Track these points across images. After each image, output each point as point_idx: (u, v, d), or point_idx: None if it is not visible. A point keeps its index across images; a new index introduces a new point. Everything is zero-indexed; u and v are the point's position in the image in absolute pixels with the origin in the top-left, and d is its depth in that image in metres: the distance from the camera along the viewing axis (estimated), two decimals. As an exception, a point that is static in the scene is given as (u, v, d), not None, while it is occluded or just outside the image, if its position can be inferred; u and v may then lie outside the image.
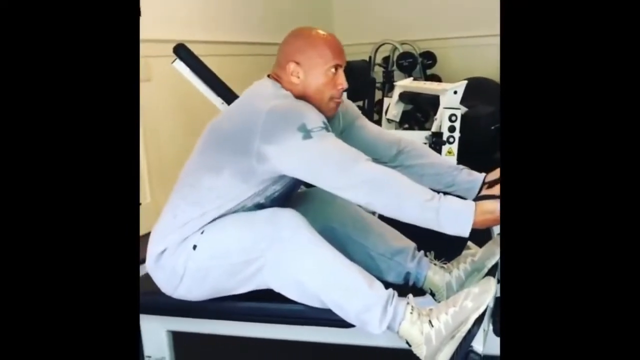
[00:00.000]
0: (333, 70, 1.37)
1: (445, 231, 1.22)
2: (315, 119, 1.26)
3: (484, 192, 1.38)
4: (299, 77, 1.37)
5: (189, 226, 1.34)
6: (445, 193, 1.26)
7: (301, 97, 1.37)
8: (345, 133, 1.53)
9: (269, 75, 1.43)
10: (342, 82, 1.39)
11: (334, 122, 1.47)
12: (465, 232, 1.21)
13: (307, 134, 1.23)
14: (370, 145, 1.53)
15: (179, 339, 1.57)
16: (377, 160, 1.51)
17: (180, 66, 2.02)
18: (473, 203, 1.23)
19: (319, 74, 1.36)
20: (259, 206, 1.38)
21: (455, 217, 1.21)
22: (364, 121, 1.59)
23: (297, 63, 1.36)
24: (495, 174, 1.45)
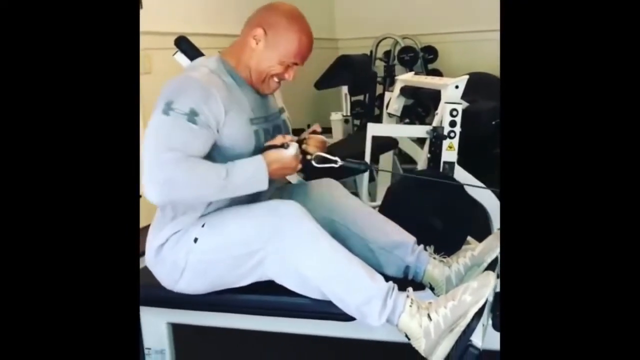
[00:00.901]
0: (289, 64, 1.38)
1: (250, 192, 1.29)
2: (185, 102, 1.25)
3: (267, 143, 1.39)
4: (257, 44, 1.37)
5: (182, 218, 1.35)
6: None
7: (248, 65, 1.38)
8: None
9: None
10: (291, 76, 1.40)
11: (276, 95, 1.51)
12: (264, 186, 1.29)
13: (167, 110, 1.25)
14: None
15: (179, 332, 1.57)
16: None
17: (182, 59, 2.01)
18: (259, 156, 1.30)
19: (275, 57, 1.36)
20: None
21: (249, 176, 1.28)
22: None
23: (265, 33, 1.36)
24: (301, 135, 1.47)
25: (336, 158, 1.39)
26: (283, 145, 1.33)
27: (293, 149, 1.33)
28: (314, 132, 1.47)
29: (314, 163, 1.38)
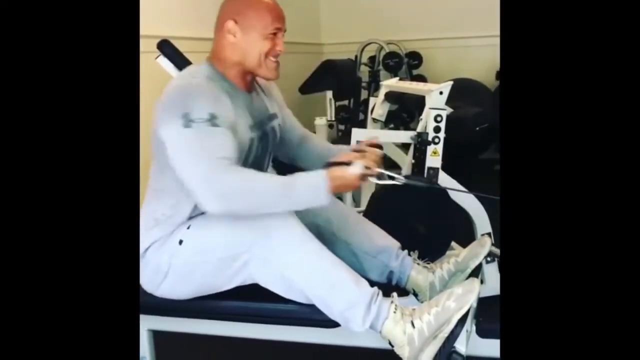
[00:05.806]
0: (272, 34, 1.36)
1: (309, 206, 1.26)
2: (201, 109, 1.23)
3: (332, 159, 1.37)
4: (235, 36, 1.35)
5: (164, 225, 1.34)
6: None
7: (238, 60, 1.36)
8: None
9: None
10: (280, 45, 1.38)
11: (268, 100, 1.50)
12: (324, 202, 1.23)
13: (187, 122, 1.22)
14: (292, 131, 1.60)
15: (160, 339, 1.55)
16: (288, 144, 1.59)
17: (164, 62, 1.99)
18: (322, 171, 1.25)
19: (257, 35, 1.35)
20: None
21: (310, 190, 1.23)
22: (287, 110, 1.62)
23: (235, 22, 1.35)
24: (358, 146, 1.46)
25: (399, 176, 1.35)
26: (347, 163, 1.28)
27: (357, 167, 1.27)
28: (373, 145, 1.42)
29: (373, 180, 1.31)
